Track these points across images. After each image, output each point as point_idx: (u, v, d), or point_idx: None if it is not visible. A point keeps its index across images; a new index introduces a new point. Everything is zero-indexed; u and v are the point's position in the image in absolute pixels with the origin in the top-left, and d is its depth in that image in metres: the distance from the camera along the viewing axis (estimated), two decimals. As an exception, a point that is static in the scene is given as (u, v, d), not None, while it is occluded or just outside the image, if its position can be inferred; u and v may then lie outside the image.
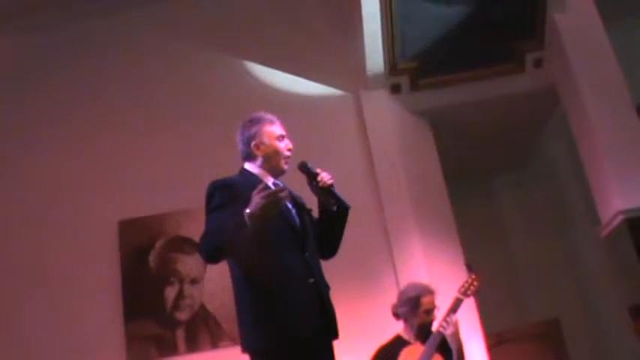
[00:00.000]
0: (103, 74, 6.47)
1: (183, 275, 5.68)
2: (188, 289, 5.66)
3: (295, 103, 6.22)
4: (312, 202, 3.27)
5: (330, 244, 3.29)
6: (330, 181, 3.17)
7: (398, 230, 5.73)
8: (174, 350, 5.52)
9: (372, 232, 5.73)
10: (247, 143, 3.25)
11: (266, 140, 3.22)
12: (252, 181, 3.10)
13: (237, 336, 5.13)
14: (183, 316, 5.60)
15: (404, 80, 6.11)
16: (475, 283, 4.59)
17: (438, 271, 5.50)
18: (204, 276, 5.66)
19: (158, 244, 5.78)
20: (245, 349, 2.98)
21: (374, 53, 5.90)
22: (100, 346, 5.50)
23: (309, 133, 5.98)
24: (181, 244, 5.76)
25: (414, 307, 4.39)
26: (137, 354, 5.49)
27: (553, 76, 6.07)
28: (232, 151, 5.58)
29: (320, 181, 3.16)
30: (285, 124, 3.31)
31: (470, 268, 4.83)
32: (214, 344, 5.51)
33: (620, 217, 5.24)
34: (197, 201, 5.87)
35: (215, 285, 5.59)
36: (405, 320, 4.45)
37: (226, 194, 3.02)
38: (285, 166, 3.24)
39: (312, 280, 3.02)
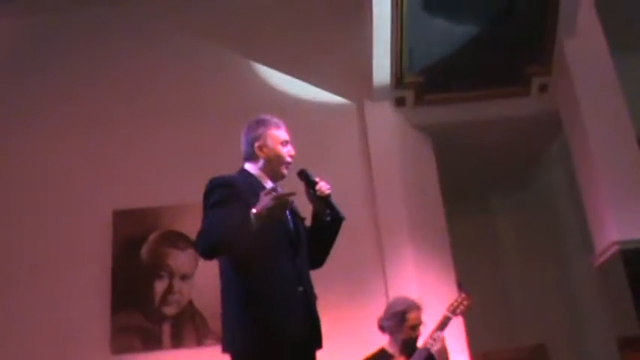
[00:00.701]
0: (107, 62, 6.47)
1: (174, 270, 5.68)
2: (178, 284, 5.65)
3: (298, 107, 6.23)
4: (304, 211, 3.27)
5: (318, 255, 3.28)
6: (327, 191, 3.17)
7: (391, 243, 5.72)
8: (159, 344, 5.51)
9: (366, 243, 5.72)
10: (251, 144, 3.24)
11: (270, 143, 3.21)
12: (251, 182, 3.12)
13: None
14: (170, 311, 5.59)
15: (409, 94, 6.12)
16: (465, 302, 4.58)
17: (429, 287, 5.49)
18: (195, 273, 5.66)
19: (151, 237, 5.78)
20: (226, 349, 2.96)
21: (381, 64, 5.90)
22: (85, 335, 5.49)
23: (310, 138, 5.97)
24: (175, 238, 5.76)
25: (400, 321, 4.38)
26: (121, 345, 5.48)
27: (557, 101, 6.09)
28: (232, 149, 5.58)
29: (318, 190, 3.16)
30: (290, 130, 3.31)
31: (461, 286, 4.84)
32: (199, 341, 5.50)
33: (615, 248, 5.25)
34: (194, 196, 5.86)
35: (205, 282, 5.57)
36: (391, 334, 4.43)
37: (227, 192, 3.01)
38: (285, 172, 3.23)
39: (301, 289, 3.01)
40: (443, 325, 4.43)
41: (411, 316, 4.38)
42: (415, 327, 4.38)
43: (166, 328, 5.54)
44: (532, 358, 7.25)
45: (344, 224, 3.24)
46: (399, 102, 6.15)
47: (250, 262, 2.94)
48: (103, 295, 5.58)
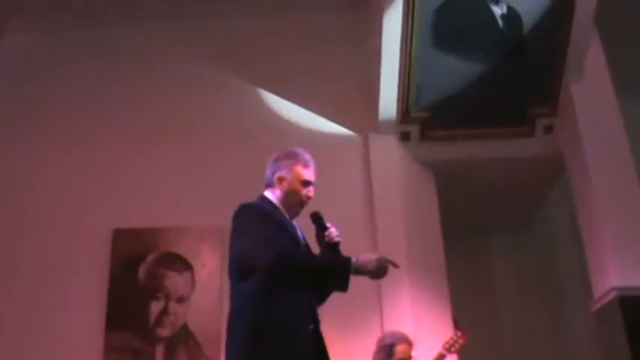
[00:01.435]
0: (114, 81, 6.51)
1: (171, 292, 5.66)
2: (173, 306, 5.62)
3: (302, 135, 6.23)
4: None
5: (323, 295, 3.24)
6: (337, 239, 3.17)
7: (389, 276, 5.61)
8: (151, 365, 5.48)
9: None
10: (273, 173, 3.25)
11: (290, 178, 3.20)
12: (273, 209, 3.14)
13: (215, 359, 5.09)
14: (164, 332, 5.56)
15: (414, 129, 6.13)
16: (460, 340, 4.56)
17: (424, 323, 5.45)
18: (191, 295, 5.65)
19: (150, 258, 5.76)
20: None
21: (388, 98, 5.93)
22: (77, 352, 5.46)
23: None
24: (173, 260, 5.75)
25: (388, 354, 4.42)
26: (113, 365, 5.45)
27: (562, 143, 6.09)
28: (234, 174, 5.62)
29: (327, 236, 3.15)
30: (316, 168, 3.30)
31: (457, 324, 4.82)
32: (192, 365, 5.48)
33: (614, 294, 5.22)
34: (194, 219, 5.92)
35: (201, 306, 5.58)
36: (381, 367, 4.44)
37: (261, 217, 3.03)
38: (299, 210, 3.23)
39: (312, 326, 2.98)
40: (437, 362, 4.43)
41: (399, 349, 4.40)
42: (403, 360, 4.38)
43: (159, 350, 5.50)
44: (525, 400, 7.19)
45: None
46: (404, 137, 6.16)
47: (270, 292, 2.89)
48: (98, 313, 5.56)
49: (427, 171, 6.27)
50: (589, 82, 5.94)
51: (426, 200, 6.15)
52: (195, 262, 5.75)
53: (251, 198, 5.88)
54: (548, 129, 6.18)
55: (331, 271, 2.93)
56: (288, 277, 2.90)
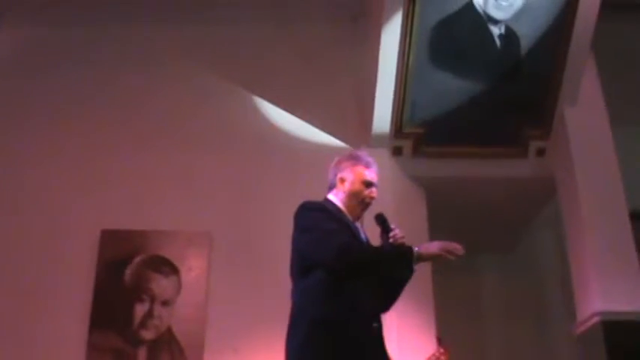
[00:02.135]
0: (108, 81, 6.50)
1: (156, 295, 5.64)
2: (158, 309, 5.61)
3: (295, 145, 6.27)
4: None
5: (391, 299, 3.24)
6: (402, 240, 3.15)
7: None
8: (133, 368, 5.45)
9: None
10: (335, 175, 3.27)
11: (351, 178, 3.22)
12: (336, 209, 3.16)
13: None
14: (148, 335, 5.54)
15: (407, 144, 6.14)
16: (442, 357, 4.56)
17: (408, 339, 5.45)
18: (177, 300, 5.64)
19: (137, 260, 5.76)
20: None
21: (383, 112, 5.94)
22: (60, 350, 5.45)
23: (304, 177, 6.00)
24: (160, 263, 5.74)
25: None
26: (95, 365, 5.42)
27: (553, 167, 6.12)
28: (226, 181, 5.60)
29: (392, 237, 3.13)
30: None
31: (440, 341, 4.81)
32: (173, 369, 5.46)
33: (597, 319, 5.24)
34: (183, 224, 5.92)
35: (186, 310, 5.58)
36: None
37: (326, 214, 3.06)
38: (361, 211, 3.24)
39: (375, 325, 3.01)
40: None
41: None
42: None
43: (142, 352, 5.49)
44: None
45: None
46: (397, 151, 6.17)
47: (333, 288, 2.90)
48: (83, 313, 5.55)
49: (418, 187, 6.27)
50: (583, 107, 5.98)
51: (416, 215, 6.15)
52: (182, 266, 5.73)
53: (241, 205, 5.89)
54: (541, 152, 6.20)
55: (394, 258, 2.96)
56: (352, 270, 2.91)
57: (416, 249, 2.88)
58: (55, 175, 6.10)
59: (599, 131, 5.92)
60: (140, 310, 5.60)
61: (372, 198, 3.22)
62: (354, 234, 3.13)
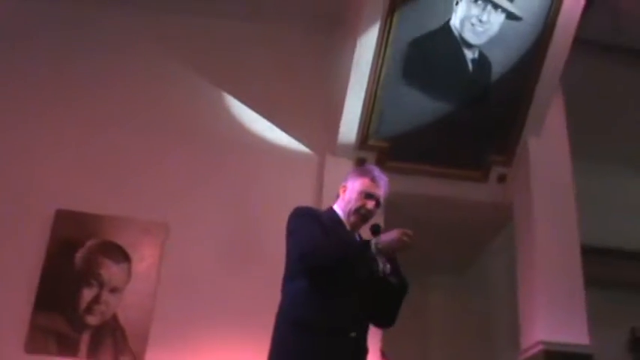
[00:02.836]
0: (75, 61, 6.37)
1: (105, 281, 5.57)
2: (106, 295, 5.54)
3: (258, 144, 6.27)
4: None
5: (383, 314, 3.26)
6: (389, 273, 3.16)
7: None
8: (74, 352, 5.37)
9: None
10: (341, 184, 3.33)
11: (351, 187, 3.28)
12: (334, 218, 3.22)
13: (139, 354, 5.05)
14: (93, 321, 5.47)
15: (371, 156, 6.14)
16: (385, 370, 4.58)
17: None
18: (126, 288, 5.58)
19: (89, 243, 5.68)
20: None
21: (350, 122, 5.96)
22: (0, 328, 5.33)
23: (266, 180, 6.01)
24: (112, 249, 5.67)
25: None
26: (36, 346, 5.34)
27: (512, 194, 6.21)
28: (186, 172, 5.56)
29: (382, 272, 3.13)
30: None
31: (384, 354, 4.83)
32: (115, 357, 5.39)
33: (539, 347, 5.32)
34: (139, 212, 5.87)
35: (134, 299, 5.52)
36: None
37: (310, 218, 3.13)
38: (355, 220, 3.26)
39: (353, 334, 2.99)
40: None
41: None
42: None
43: (85, 338, 5.41)
44: None
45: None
46: (360, 162, 6.14)
47: (311, 294, 2.94)
48: (28, 292, 5.45)
49: (377, 200, 6.29)
50: (547, 139, 6.09)
51: (372, 228, 6.16)
52: (134, 254, 5.68)
53: (200, 198, 5.86)
54: (502, 178, 6.28)
55: (354, 249, 3.04)
56: (318, 269, 2.94)
57: (374, 240, 2.97)
58: (18, 150, 5.96)
59: (559, 164, 6.03)
60: (87, 294, 5.52)
61: (367, 209, 3.24)
62: (341, 237, 3.17)
